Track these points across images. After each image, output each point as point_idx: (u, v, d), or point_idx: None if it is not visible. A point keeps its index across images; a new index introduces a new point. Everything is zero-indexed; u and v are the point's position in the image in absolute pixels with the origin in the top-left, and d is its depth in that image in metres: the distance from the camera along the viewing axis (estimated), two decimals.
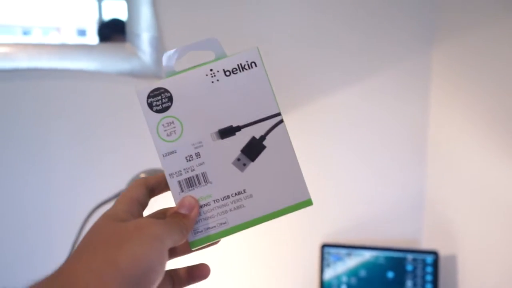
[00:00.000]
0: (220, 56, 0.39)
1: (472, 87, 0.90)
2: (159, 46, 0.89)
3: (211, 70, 0.38)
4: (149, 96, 0.37)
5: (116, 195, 0.78)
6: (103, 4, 0.91)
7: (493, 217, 0.85)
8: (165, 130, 0.37)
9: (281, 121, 0.38)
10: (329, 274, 1.00)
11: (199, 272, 0.39)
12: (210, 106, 0.38)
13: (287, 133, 0.39)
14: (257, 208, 0.38)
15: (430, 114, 1.03)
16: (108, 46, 0.89)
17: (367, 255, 0.99)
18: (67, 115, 0.91)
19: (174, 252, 0.39)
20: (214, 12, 0.92)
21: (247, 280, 1.04)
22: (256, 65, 0.38)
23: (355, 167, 1.04)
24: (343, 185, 1.04)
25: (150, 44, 0.88)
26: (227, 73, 0.38)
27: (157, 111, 0.37)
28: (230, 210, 0.37)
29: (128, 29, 0.88)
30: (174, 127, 0.37)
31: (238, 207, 0.37)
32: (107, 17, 0.92)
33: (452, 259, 0.97)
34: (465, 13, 0.91)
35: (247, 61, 0.38)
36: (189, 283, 0.39)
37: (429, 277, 0.96)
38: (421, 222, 1.07)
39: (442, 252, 0.99)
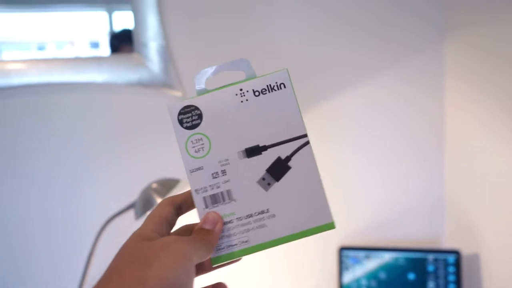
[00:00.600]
0: (250, 76, 0.40)
1: (487, 82, 0.88)
2: (166, 55, 0.89)
3: (240, 89, 0.39)
4: (180, 113, 0.39)
5: (129, 206, 0.78)
6: (113, 15, 0.92)
7: None
8: (194, 147, 0.38)
9: (307, 142, 0.39)
10: (348, 277, 0.98)
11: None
12: (238, 124, 0.38)
13: (313, 154, 0.39)
14: (279, 229, 0.38)
15: (446, 112, 1.00)
16: (116, 57, 0.90)
17: (387, 256, 0.97)
18: (78, 127, 0.92)
19: (199, 269, 0.39)
20: (220, 18, 0.92)
21: (265, 286, 1.03)
22: (285, 86, 0.39)
23: (372, 168, 1.02)
24: (360, 186, 1.02)
25: (158, 53, 0.89)
26: (256, 93, 0.39)
27: (187, 128, 0.39)
28: (252, 228, 0.38)
29: (135, 39, 0.89)
30: (203, 144, 0.38)
31: (260, 226, 0.38)
32: (117, 28, 0.93)
33: (475, 258, 0.95)
34: (475, 7, 0.89)
35: (276, 82, 0.39)
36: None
37: (451, 277, 0.94)
38: (441, 221, 1.04)
39: (464, 251, 0.96)
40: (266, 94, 0.39)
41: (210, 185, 0.38)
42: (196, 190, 0.38)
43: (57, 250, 0.94)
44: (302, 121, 0.39)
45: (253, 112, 0.39)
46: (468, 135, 0.95)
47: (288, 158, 0.38)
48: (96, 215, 0.90)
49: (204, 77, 0.40)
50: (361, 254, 0.98)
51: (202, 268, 0.39)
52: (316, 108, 0.98)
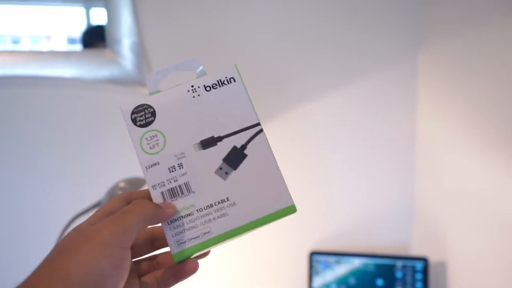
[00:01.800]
0: (201, 75, 0.41)
1: (458, 93, 0.89)
2: (139, 52, 0.87)
3: (192, 86, 0.40)
4: (133, 112, 0.39)
5: (95, 205, 0.76)
6: (91, 12, 0.90)
7: (482, 223, 0.84)
8: (148, 143, 0.38)
9: (261, 130, 0.39)
10: (318, 282, 0.98)
11: (188, 268, 0.37)
12: (192, 119, 0.39)
13: (267, 141, 0.39)
14: (240, 216, 0.37)
15: (418, 121, 1.01)
16: (87, 52, 0.88)
17: (356, 262, 0.97)
18: (44, 123, 0.89)
19: (160, 266, 0.39)
20: (195, 16, 0.91)
21: None
22: (235, 80, 0.40)
23: (344, 174, 1.02)
24: (331, 191, 1.02)
25: (131, 50, 0.87)
26: (208, 88, 0.40)
27: (141, 126, 0.39)
28: (214, 219, 0.37)
29: (108, 35, 0.87)
30: (157, 140, 0.38)
31: (221, 216, 0.37)
32: (91, 24, 0.90)
33: (442, 265, 0.96)
34: (453, 13, 0.90)
35: (226, 77, 0.40)
36: (176, 281, 0.38)
37: (419, 284, 0.94)
38: (411, 228, 1.05)
39: (432, 258, 0.97)
40: (217, 89, 0.40)
41: (167, 180, 0.38)
42: (153, 186, 0.38)
43: (20, 248, 0.91)
44: (254, 110, 0.40)
45: (205, 106, 0.39)
46: (438, 145, 0.96)
47: (244, 146, 0.39)
48: (62, 214, 0.88)
49: (156, 79, 0.40)
50: (331, 259, 0.98)
51: (163, 265, 0.38)
52: (290, 110, 0.98)
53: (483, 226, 0.83)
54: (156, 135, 0.38)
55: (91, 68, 0.86)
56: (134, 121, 0.39)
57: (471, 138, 0.86)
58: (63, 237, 0.34)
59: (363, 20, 0.97)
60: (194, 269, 0.38)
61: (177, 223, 0.37)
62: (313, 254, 0.98)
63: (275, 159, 0.39)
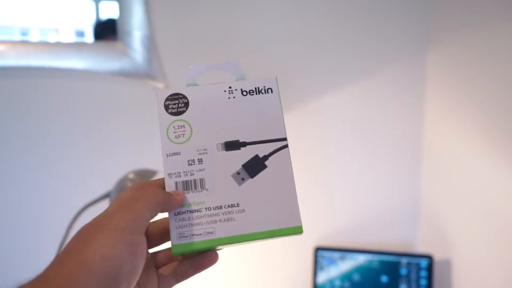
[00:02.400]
0: (240, 78, 0.41)
1: (467, 89, 0.89)
2: (150, 45, 0.88)
3: (230, 87, 0.40)
4: (167, 99, 0.39)
5: (104, 196, 0.76)
6: (100, 5, 0.90)
7: (487, 221, 0.84)
8: (175, 132, 0.39)
9: (286, 145, 0.40)
10: (322, 277, 0.98)
11: (209, 259, 0.38)
12: (222, 119, 0.39)
13: (290, 158, 0.39)
14: (246, 224, 0.37)
15: (425, 117, 1.02)
16: (98, 44, 0.88)
17: (361, 258, 0.98)
18: (56, 114, 0.90)
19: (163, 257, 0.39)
20: (206, 11, 0.91)
21: (238, 284, 1.02)
22: (272, 91, 0.41)
23: (349, 171, 1.03)
24: (337, 188, 1.03)
25: (142, 43, 0.87)
26: (244, 93, 0.40)
27: (172, 114, 0.39)
28: (220, 221, 0.37)
29: (119, 27, 0.87)
30: (184, 131, 0.39)
31: (228, 220, 0.37)
32: (103, 17, 0.91)
33: (447, 263, 0.96)
34: (460, 14, 0.90)
35: (264, 86, 0.41)
36: (195, 272, 0.38)
37: (423, 282, 0.95)
38: (416, 226, 1.05)
39: (437, 256, 0.97)
40: (253, 95, 0.40)
41: (184, 171, 0.38)
42: (169, 174, 0.38)
43: (30, 239, 0.91)
44: (284, 125, 0.40)
45: (238, 109, 0.40)
46: (445, 144, 0.97)
47: (266, 157, 0.39)
48: (72, 204, 0.88)
49: (194, 72, 0.40)
50: (336, 255, 0.98)
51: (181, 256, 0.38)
52: (297, 108, 0.98)
53: (487, 224, 0.84)
54: (184, 126, 0.39)
55: (102, 60, 0.86)
56: (166, 107, 0.39)
57: (477, 138, 0.86)
58: (75, 229, 0.34)
59: (370, 21, 0.97)
60: (214, 260, 0.38)
61: (183, 215, 0.37)
62: (318, 249, 0.99)
63: (293, 178, 0.39)
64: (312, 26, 0.96)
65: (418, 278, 0.95)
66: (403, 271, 0.96)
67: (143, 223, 0.33)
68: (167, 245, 0.39)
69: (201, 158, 0.38)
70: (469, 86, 0.89)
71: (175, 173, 0.38)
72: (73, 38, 0.90)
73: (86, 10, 0.90)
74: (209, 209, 0.37)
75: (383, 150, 1.03)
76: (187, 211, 0.37)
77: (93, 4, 0.90)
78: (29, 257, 0.91)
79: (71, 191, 0.91)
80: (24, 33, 0.89)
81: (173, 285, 0.38)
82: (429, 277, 0.95)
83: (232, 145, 0.39)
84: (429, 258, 0.95)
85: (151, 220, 0.36)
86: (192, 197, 0.37)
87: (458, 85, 0.92)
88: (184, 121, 0.39)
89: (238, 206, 0.37)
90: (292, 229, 0.38)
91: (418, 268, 0.95)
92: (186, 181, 0.38)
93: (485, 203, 0.85)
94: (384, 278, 0.97)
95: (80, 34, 0.90)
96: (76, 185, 0.92)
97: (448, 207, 0.96)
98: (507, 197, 0.79)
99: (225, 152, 0.38)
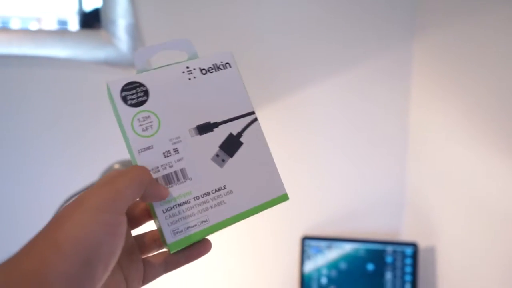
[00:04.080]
0: (193, 57, 0.39)
1: (452, 83, 0.90)
2: (135, 34, 0.86)
3: (187, 67, 0.38)
4: (123, 90, 0.36)
5: (89, 186, 0.75)
6: None
7: (471, 209, 0.86)
8: (141, 125, 0.36)
9: (256, 119, 0.39)
10: (309, 266, 0.99)
11: (202, 248, 0.37)
12: (187, 102, 0.37)
13: (262, 130, 0.39)
14: (237, 205, 0.37)
15: (411, 109, 1.03)
16: (82, 33, 0.86)
17: (347, 247, 0.99)
18: (39, 103, 0.88)
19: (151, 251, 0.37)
20: None
21: (226, 273, 1.02)
22: (230, 66, 0.40)
23: (336, 160, 1.03)
24: (324, 177, 1.03)
25: (126, 31, 0.86)
26: (203, 71, 0.39)
27: (132, 105, 0.36)
28: (211, 207, 0.36)
29: (103, 15, 0.86)
30: (151, 122, 0.36)
31: (218, 204, 0.36)
32: (87, 7, 0.89)
33: (431, 250, 0.98)
34: (447, 4, 0.91)
35: (221, 62, 0.40)
36: (187, 262, 0.37)
37: (408, 269, 0.96)
38: (401, 214, 1.07)
39: (422, 244, 0.99)
40: (212, 73, 0.39)
41: (162, 165, 0.35)
42: None
43: (16, 229, 0.90)
44: (249, 99, 0.40)
45: (201, 90, 0.38)
46: (430, 133, 0.98)
47: (239, 134, 0.38)
48: (57, 195, 0.87)
49: (144, 56, 0.38)
50: (323, 244, 0.99)
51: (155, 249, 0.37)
52: (284, 98, 0.98)
53: (472, 212, 0.85)
54: (149, 117, 0.36)
55: (86, 49, 0.85)
56: (124, 99, 0.36)
57: (462, 126, 0.87)
58: None
59: (356, 8, 0.97)
60: (207, 249, 0.37)
61: (173, 211, 0.35)
62: (305, 239, 1.00)
63: (269, 148, 0.39)
64: (297, 16, 0.96)
65: (403, 266, 0.97)
66: (389, 259, 0.97)
67: (123, 203, 0.31)
68: (150, 225, 0.38)
69: (176, 148, 0.36)
70: (455, 74, 0.89)
71: (152, 169, 0.35)
72: (55, 27, 0.88)
73: None
74: (197, 198, 0.36)
75: (368, 139, 1.03)
76: (176, 205, 0.35)
77: None
78: (10, 248, 0.90)
79: (55, 182, 0.90)
80: (5, 22, 0.87)
81: (161, 274, 0.37)
82: (414, 265, 0.96)
83: (204, 128, 0.37)
84: (414, 246, 0.96)
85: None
86: (177, 190, 0.35)
87: (444, 73, 0.93)
88: (148, 111, 0.36)
89: (225, 188, 0.37)
90: (279, 198, 0.39)
91: (403, 256, 0.97)
92: (166, 174, 0.35)
93: (470, 191, 0.86)
94: (370, 266, 0.98)
95: (63, 23, 0.88)
96: (60, 176, 0.90)
97: (433, 195, 0.98)
98: (492, 185, 0.80)
99: (199, 136, 0.37)
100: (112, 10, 0.85)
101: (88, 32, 0.86)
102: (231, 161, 0.37)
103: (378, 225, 1.06)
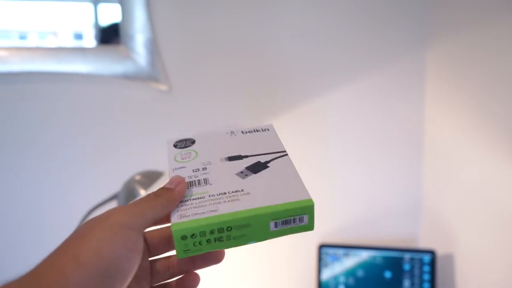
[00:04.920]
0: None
1: (467, 85, 0.90)
2: (153, 48, 0.89)
3: (231, 131, 0.45)
4: (176, 141, 0.44)
5: (112, 197, 0.78)
6: (99, 8, 0.91)
7: (489, 216, 0.85)
8: (182, 156, 0.42)
9: (286, 154, 0.41)
10: (326, 274, 1.00)
11: (189, 282, 0.38)
12: (225, 147, 0.43)
13: (292, 163, 0.40)
14: (251, 202, 0.35)
15: (426, 115, 1.03)
16: (102, 48, 0.89)
17: (365, 255, 0.99)
18: (61, 118, 0.91)
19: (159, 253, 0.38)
20: (208, 13, 0.92)
21: (244, 282, 1.03)
22: (269, 130, 0.45)
23: (352, 167, 1.04)
24: (340, 185, 1.04)
25: (144, 46, 0.88)
26: (244, 132, 0.45)
27: (179, 148, 0.43)
28: (224, 201, 0.36)
29: (122, 31, 0.88)
30: (190, 154, 0.42)
31: (232, 200, 0.36)
32: (103, 20, 0.92)
33: (450, 258, 0.97)
34: (459, 11, 0.91)
35: (261, 128, 0.45)
36: (194, 268, 0.39)
37: (426, 276, 0.96)
38: (418, 221, 1.07)
39: (440, 251, 0.98)
40: (252, 133, 0.45)
41: (188, 176, 0.39)
42: (174, 170, 0.40)
43: (40, 240, 0.93)
44: (282, 144, 0.43)
45: (240, 140, 0.44)
46: (446, 139, 0.98)
47: (267, 161, 0.40)
48: (79, 206, 0.90)
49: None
50: (340, 251, 0.99)
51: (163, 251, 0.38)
52: (299, 107, 0.99)
53: (490, 218, 0.85)
54: (190, 152, 0.42)
55: (106, 64, 0.87)
56: (175, 146, 0.44)
57: (478, 133, 0.87)
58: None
59: (371, 17, 0.98)
60: (218, 257, 0.38)
61: (186, 203, 0.36)
62: (322, 246, 1.00)
63: (298, 172, 0.38)
64: (312, 25, 0.97)
65: (421, 273, 0.96)
66: (406, 266, 0.97)
67: (144, 222, 0.33)
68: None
69: (205, 167, 0.40)
70: (468, 82, 0.90)
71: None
72: (71, 41, 0.91)
73: (85, 13, 0.90)
74: (213, 195, 0.36)
75: (384, 147, 1.04)
76: (189, 199, 0.36)
77: (92, 7, 0.91)
78: (30, 259, 0.92)
79: (77, 194, 0.93)
80: (23, 37, 0.90)
81: (167, 279, 0.38)
82: (432, 272, 0.96)
83: (234, 158, 0.41)
84: (432, 253, 0.96)
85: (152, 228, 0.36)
86: (195, 190, 0.37)
87: (458, 81, 0.93)
88: (191, 149, 0.43)
89: (242, 191, 0.36)
90: (302, 202, 0.35)
91: (421, 263, 0.96)
92: (190, 182, 0.38)
93: (487, 197, 0.86)
94: (387, 274, 0.98)
95: (79, 37, 0.91)
96: (82, 187, 0.93)
97: (450, 202, 0.97)
98: (509, 191, 0.80)
99: (228, 162, 0.40)
100: (130, 26, 0.88)
101: (108, 48, 0.89)
102: (254, 176, 0.38)
103: (395, 233, 1.06)
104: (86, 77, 0.88)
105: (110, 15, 0.91)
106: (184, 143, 0.44)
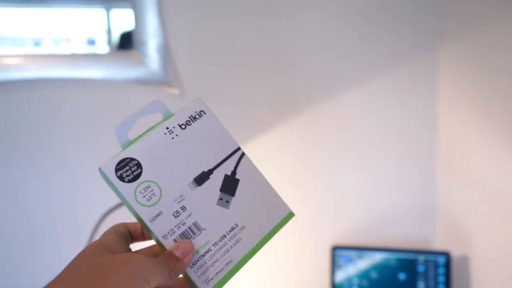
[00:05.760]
0: (168, 115, 0.41)
1: (480, 84, 0.89)
2: (165, 53, 0.90)
3: (167, 128, 0.40)
4: (116, 170, 0.37)
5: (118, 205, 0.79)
6: (111, 13, 0.92)
7: (505, 217, 0.84)
8: (144, 196, 0.37)
9: (243, 153, 0.41)
10: (340, 276, 1.00)
11: None
12: (178, 160, 0.39)
13: (252, 162, 0.41)
14: (253, 237, 0.40)
15: (439, 115, 1.02)
16: (115, 54, 0.91)
17: (378, 256, 0.98)
18: (76, 122, 0.92)
19: None
20: (219, 17, 0.93)
21: (256, 284, 1.04)
22: (205, 113, 0.41)
23: (367, 169, 1.03)
24: (354, 186, 1.04)
25: (157, 51, 0.90)
26: (182, 126, 0.40)
27: (130, 181, 0.37)
28: (231, 247, 0.39)
29: (135, 37, 0.89)
30: (152, 190, 0.37)
31: (236, 242, 0.39)
32: (116, 26, 0.93)
33: (465, 259, 0.96)
34: (472, 9, 0.90)
35: (196, 111, 0.41)
36: None
37: (441, 278, 0.95)
38: (433, 222, 1.06)
39: (455, 252, 0.98)
40: (191, 125, 0.40)
41: (175, 225, 0.38)
42: (164, 236, 0.37)
43: (54, 244, 0.95)
44: (232, 137, 0.41)
45: (187, 144, 0.40)
46: (460, 139, 0.97)
47: (234, 172, 0.41)
48: (94, 210, 0.91)
49: (123, 130, 0.39)
50: (353, 253, 0.99)
51: None
52: (313, 106, 0.99)
53: (505, 219, 0.84)
54: (149, 186, 0.37)
55: (119, 70, 0.89)
56: (121, 178, 0.37)
57: (492, 132, 0.86)
58: (83, 251, 0.35)
59: (383, 17, 0.98)
60: None
61: (199, 263, 0.38)
62: (335, 248, 1.00)
63: (263, 176, 0.42)
64: (322, 26, 0.97)
65: (436, 275, 0.96)
66: (421, 268, 0.96)
67: (155, 281, 0.33)
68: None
69: (183, 205, 0.38)
70: (481, 80, 0.89)
71: (168, 232, 0.37)
72: (85, 47, 0.92)
73: (98, 19, 0.92)
74: (216, 243, 0.38)
75: (398, 147, 1.03)
76: (200, 257, 0.38)
77: (104, 12, 0.92)
78: (45, 262, 0.94)
79: (90, 197, 0.94)
80: (37, 43, 0.92)
81: None
82: (447, 274, 0.95)
83: (201, 179, 0.39)
84: (447, 255, 0.95)
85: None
86: (196, 243, 0.38)
87: (471, 80, 0.92)
88: (146, 181, 0.37)
89: (237, 226, 0.40)
90: (287, 217, 0.42)
91: (436, 265, 0.96)
92: (182, 233, 0.38)
93: (502, 198, 0.85)
94: (402, 276, 0.97)
95: (91, 42, 0.93)
96: (96, 191, 0.94)
97: (464, 202, 0.96)
98: None
99: (199, 188, 0.39)
100: (143, 32, 0.89)
101: (121, 53, 0.90)
102: (234, 200, 0.40)
103: (409, 234, 1.06)
104: (100, 82, 0.90)
105: (123, 21, 0.92)
106: (129, 171, 0.37)
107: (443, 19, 0.98)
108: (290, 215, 0.42)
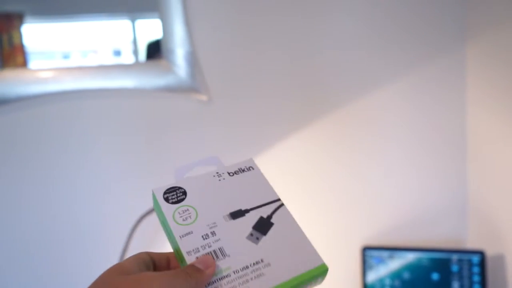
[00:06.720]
0: (221, 169, 0.45)
1: (508, 83, 0.88)
2: (193, 61, 0.92)
3: (217, 173, 0.45)
4: (165, 193, 0.42)
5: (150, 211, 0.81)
6: (136, 24, 0.95)
7: None
8: (181, 216, 0.40)
9: (282, 204, 0.43)
10: (371, 277, 0.99)
11: None
12: (220, 197, 0.43)
13: (290, 213, 0.43)
14: (276, 275, 0.38)
15: (469, 113, 1.00)
16: (144, 64, 0.93)
17: (410, 256, 0.98)
18: (110, 130, 0.95)
19: None
20: (243, 25, 0.95)
21: None
22: (253, 169, 0.46)
23: (396, 168, 1.03)
24: (383, 186, 1.03)
25: (185, 59, 0.92)
26: (231, 173, 0.45)
27: (173, 203, 0.41)
28: (251, 279, 0.38)
29: (163, 46, 0.92)
30: (189, 213, 0.41)
31: (258, 276, 0.38)
32: (142, 36, 0.96)
33: (500, 258, 0.94)
34: (497, 7, 0.89)
35: (245, 166, 0.46)
36: None
37: (476, 278, 0.94)
38: (465, 221, 1.04)
39: (489, 251, 0.96)
40: (239, 174, 0.45)
41: (201, 246, 0.39)
42: (188, 252, 0.38)
43: (90, 250, 0.98)
44: (274, 190, 0.44)
45: (230, 186, 0.44)
46: (491, 137, 0.95)
47: (270, 216, 0.42)
48: (126, 217, 0.94)
49: (182, 172, 0.44)
50: (384, 254, 0.99)
51: None
52: (341, 108, 1.00)
53: None
54: (188, 209, 0.41)
55: (149, 78, 0.92)
56: (166, 199, 0.41)
57: None
58: (102, 274, 0.35)
59: (409, 17, 0.97)
60: None
61: (215, 284, 0.37)
62: (366, 249, 1.00)
63: (300, 227, 0.42)
64: (352, 24, 0.97)
65: (471, 275, 0.94)
66: (455, 267, 0.95)
67: None
68: None
69: (213, 231, 0.40)
70: (509, 79, 0.87)
71: (193, 250, 0.38)
72: (111, 58, 0.95)
73: (123, 30, 0.95)
74: (237, 271, 0.38)
75: (427, 146, 1.02)
76: (217, 279, 0.37)
77: (129, 23, 0.95)
78: (89, 264, 0.97)
79: (124, 203, 0.97)
80: (66, 56, 0.96)
81: None
82: (482, 273, 0.93)
83: (237, 214, 0.41)
84: (481, 253, 0.94)
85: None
86: (217, 266, 0.38)
87: (500, 76, 0.90)
88: (187, 205, 0.41)
89: (262, 261, 0.39)
90: (318, 269, 0.40)
91: (470, 264, 0.94)
92: (207, 253, 0.38)
93: None
94: (435, 276, 0.96)
95: (117, 53, 0.96)
96: (129, 197, 0.97)
97: (497, 200, 0.95)
98: None
99: (233, 221, 0.41)
100: (170, 41, 0.91)
101: (151, 63, 0.93)
102: (265, 239, 0.40)
103: (441, 233, 1.05)
104: (132, 91, 0.93)
105: (148, 31, 0.95)
106: (175, 196, 0.42)
107: (469, 18, 0.97)
108: (323, 267, 0.40)
